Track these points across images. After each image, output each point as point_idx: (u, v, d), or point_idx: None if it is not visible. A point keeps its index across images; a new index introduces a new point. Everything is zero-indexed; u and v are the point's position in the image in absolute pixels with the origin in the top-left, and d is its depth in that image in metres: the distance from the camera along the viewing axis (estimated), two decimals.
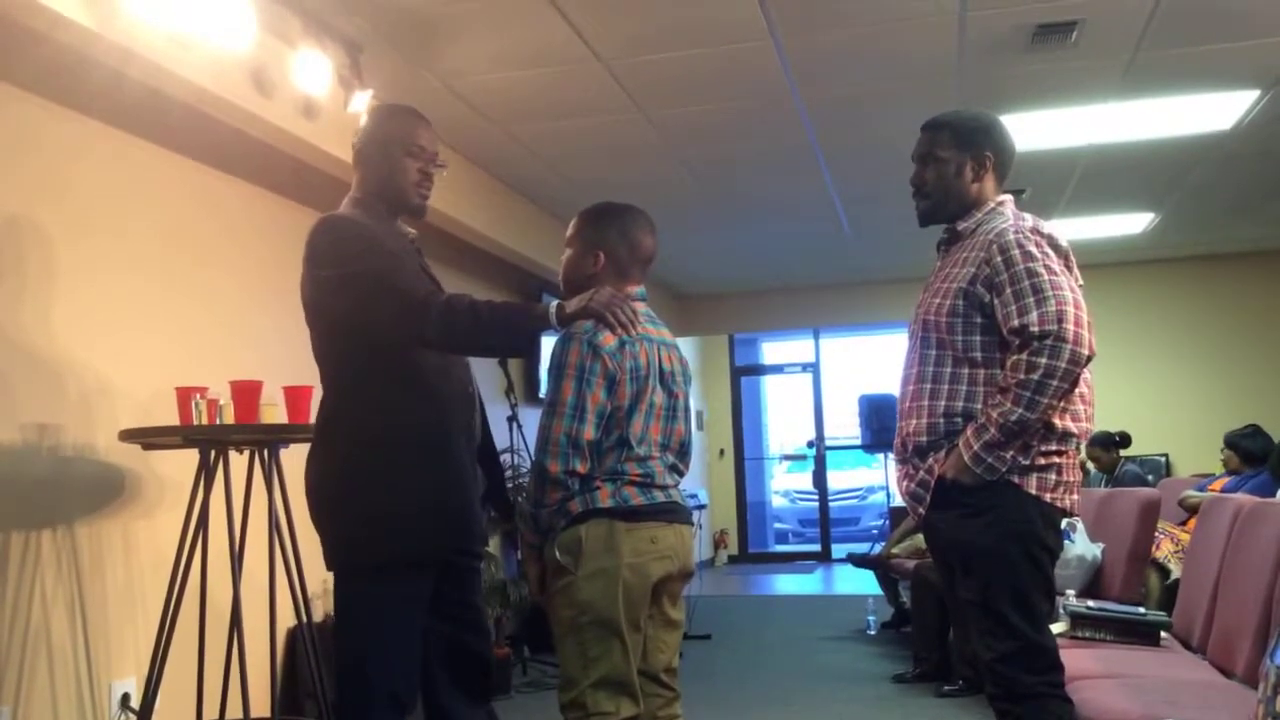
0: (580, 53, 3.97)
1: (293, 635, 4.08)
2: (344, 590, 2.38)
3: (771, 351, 13.06)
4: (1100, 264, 8.27)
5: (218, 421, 3.21)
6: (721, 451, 11.81)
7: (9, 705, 3.06)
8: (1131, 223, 7.46)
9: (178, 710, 3.41)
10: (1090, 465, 6.80)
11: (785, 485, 13.34)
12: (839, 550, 11.43)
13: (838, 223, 7.11)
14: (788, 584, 10.12)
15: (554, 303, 2.31)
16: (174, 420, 3.21)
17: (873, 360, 13.03)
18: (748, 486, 11.92)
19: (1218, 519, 3.50)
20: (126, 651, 3.51)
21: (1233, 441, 5.76)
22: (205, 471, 3.21)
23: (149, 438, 3.22)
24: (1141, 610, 3.65)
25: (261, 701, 3.43)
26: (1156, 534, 4.50)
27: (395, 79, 4.03)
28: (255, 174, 4.29)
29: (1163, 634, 3.47)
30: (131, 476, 3.58)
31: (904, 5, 3.73)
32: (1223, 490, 5.53)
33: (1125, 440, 6.74)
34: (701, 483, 11.11)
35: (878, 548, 7.24)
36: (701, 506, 8.75)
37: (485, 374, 2.76)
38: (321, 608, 4.06)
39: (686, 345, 10.38)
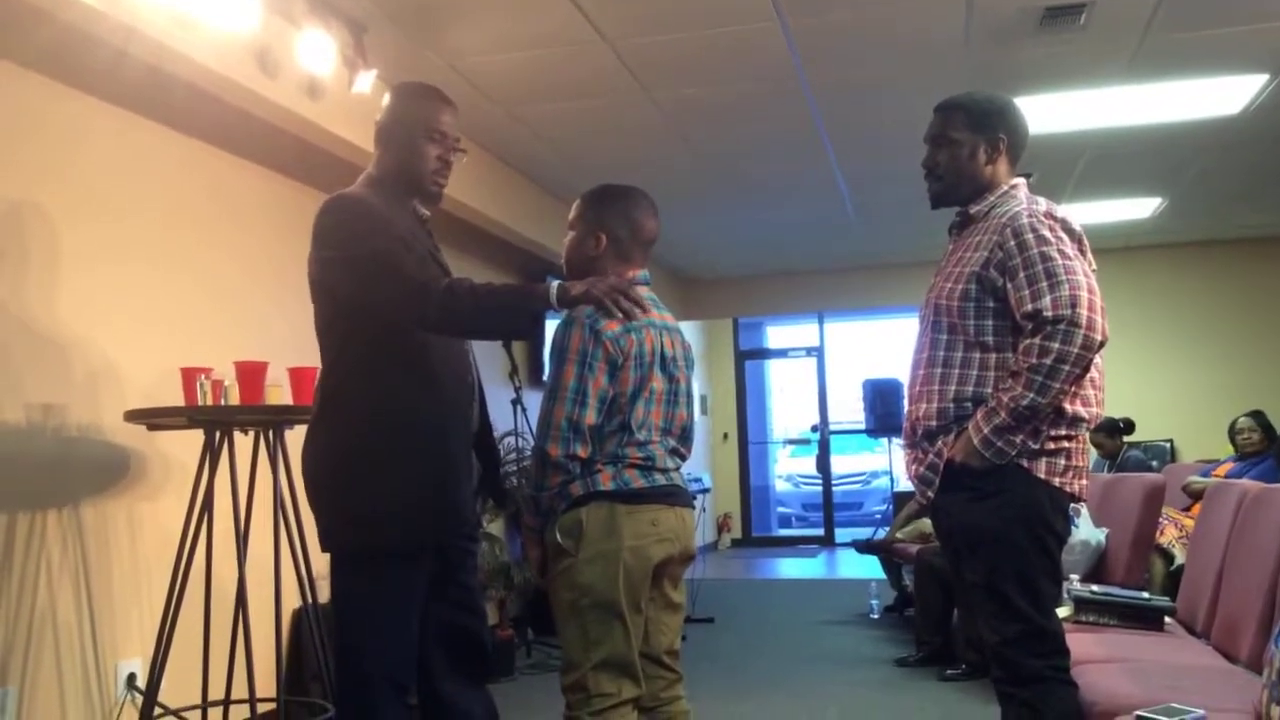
0: (585, 33, 3.94)
1: (297, 616, 4.10)
2: (340, 575, 2.37)
3: (776, 335, 13.05)
4: (1107, 249, 8.23)
5: (223, 402, 3.21)
6: (725, 435, 11.82)
7: (15, 685, 3.08)
8: (1139, 207, 7.42)
9: (183, 690, 3.42)
10: (1093, 451, 6.79)
11: (789, 469, 13.36)
12: (842, 534, 11.44)
13: (843, 206, 7.08)
14: (791, 568, 10.14)
15: (555, 283, 2.29)
16: (179, 401, 3.22)
17: (877, 344, 13.03)
18: (751, 470, 11.94)
19: (1222, 504, 3.50)
20: (132, 632, 3.53)
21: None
22: (210, 452, 3.21)
23: (154, 418, 3.22)
24: (1145, 595, 3.65)
25: (266, 682, 3.45)
26: (1161, 519, 4.50)
27: (399, 59, 4.01)
28: (259, 154, 4.27)
29: (1167, 619, 3.47)
30: (137, 457, 3.59)
31: None
32: (1227, 476, 5.53)
33: (1129, 427, 6.73)
34: (705, 466, 11.12)
35: (881, 532, 7.25)
36: (705, 490, 8.76)
37: (489, 357, 2.75)
38: (326, 589, 4.06)
39: (690, 329, 10.38)
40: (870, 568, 7.08)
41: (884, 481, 12.25)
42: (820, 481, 11.87)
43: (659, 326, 2.42)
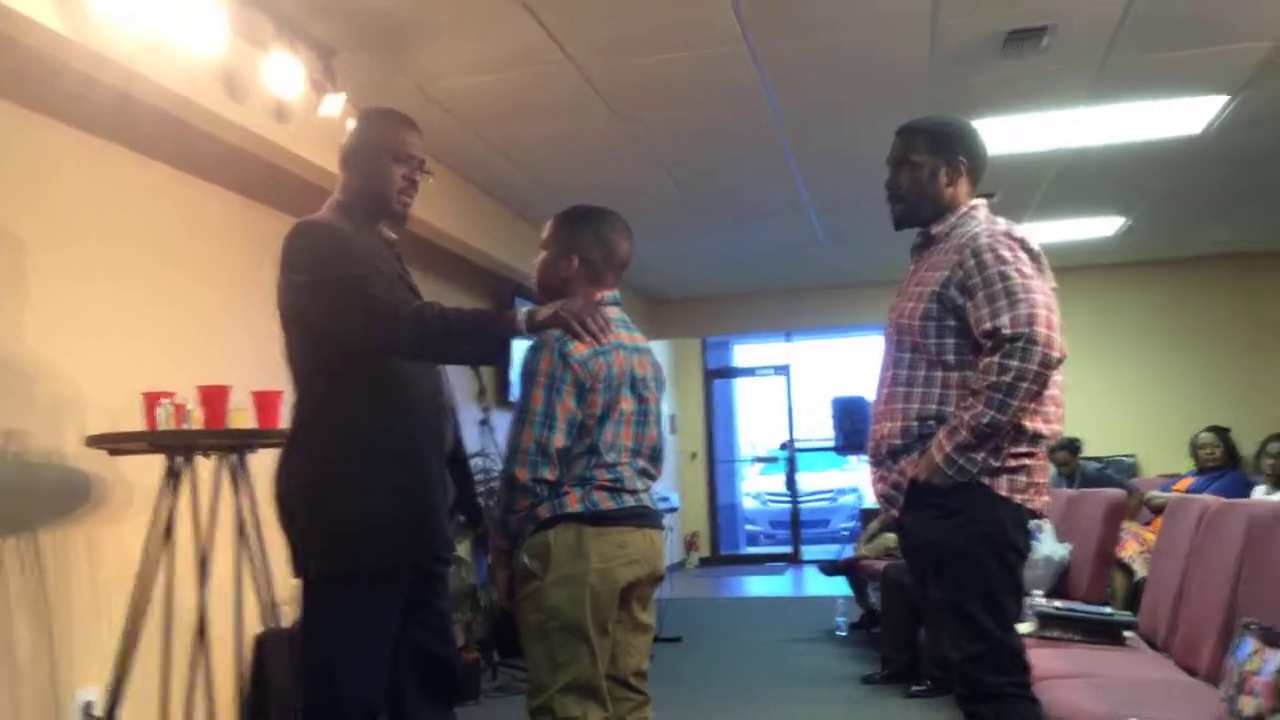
0: (553, 56, 3.96)
1: (260, 643, 4.05)
2: (312, 598, 2.36)
3: (743, 354, 13.09)
4: (1071, 267, 8.32)
5: (185, 427, 3.19)
6: (694, 454, 11.82)
7: None
8: (1102, 226, 7.53)
9: (142, 719, 3.37)
10: (1052, 467, 6.84)
11: (757, 487, 13.37)
12: (810, 552, 11.47)
13: (810, 227, 7.14)
14: (759, 586, 10.14)
15: (524, 309, 2.32)
16: (142, 426, 3.19)
17: (844, 362, 13.10)
18: (719, 489, 11.94)
19: (1182, 519, 3.55)
20: (90, 659, 3.47)
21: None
22: (172, 477, 3.18)
23: (116, 443, 3.20)
24: (1108, 610, 3.70)
25: (228, 710, 3.41)
26: (1122, 534, 4.54)
27: (368, 83, 4.00)
28: (227, 178, 4.25)
29: (1128, 633, 3.51)
30: (98, 482, 3.55)
31: (877, 11, 3.75)
32: (1188, 491, 5.60)
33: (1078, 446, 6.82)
34: (673, 485, 11.12)
35: (848, 550, 7.27)
36: (673, 509, 8.73)
37: (457, 378, 2.76)
38: (290, 615, 4.02)
39: (658, 348, 10.35)
40: (837, 585, 7.11)
41: (851, 499, 12.30)
42: (788, 499, 11.90)
43: (629, 348, 2.42)
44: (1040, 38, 3.99)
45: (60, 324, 3.41)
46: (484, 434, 5.40)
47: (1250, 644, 2.36)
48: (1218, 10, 3.84)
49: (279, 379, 2.50)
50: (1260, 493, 5.11)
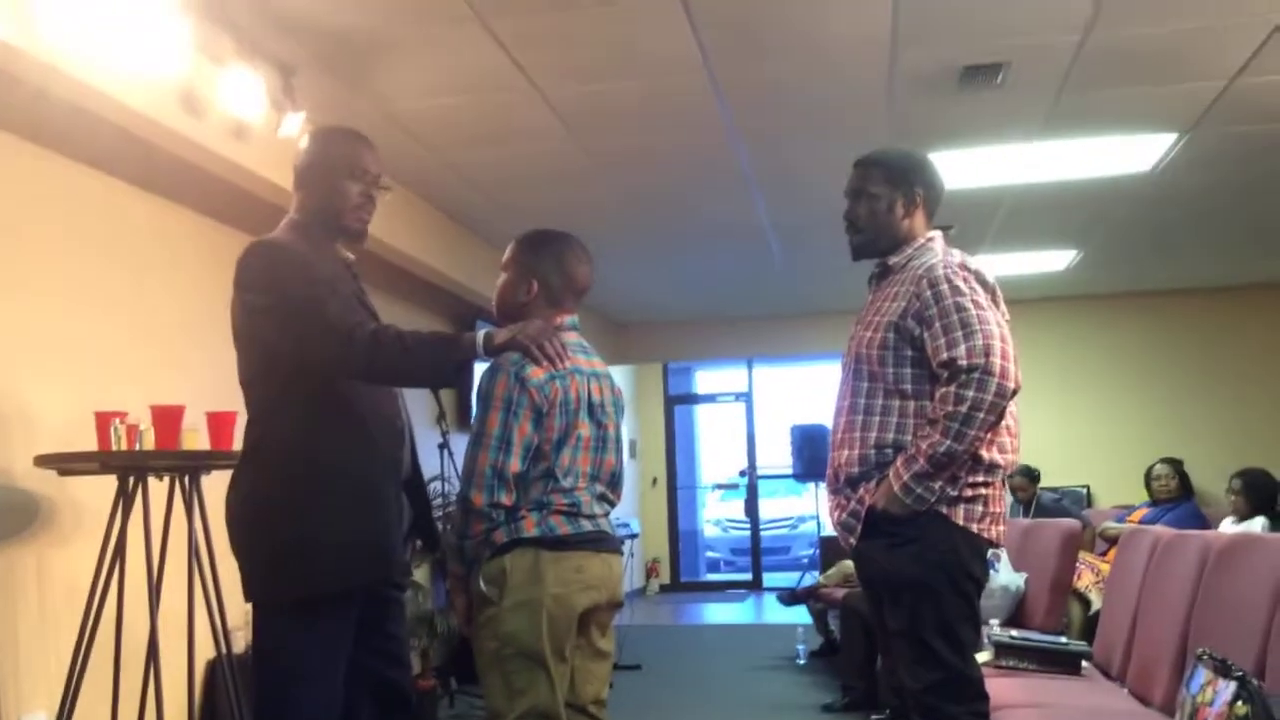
0: (515, 81, 3.97)
1: (212, 668, 3.98)
2: (264, 623, 2.33)
3: (705, 380, 13.12)
4: (1024, 299, 8.43)
5: (137, 447, 3.14)
6: (654, 480, 11.81)
7: None
8: (1054, 259, 7.64)
9: None
10: (1009, 496, 6.90)
11: (717, 514, 13.36)
12: (770, 579, 11.47)
13: (770, 254, 7.18)
14: (719, 613, 10.12)
15: (482, 332, 2.31)
16: (93, 445, 3.13)
17: (805, 390, 13.14)
18: (680, 515, 11.93)
19: (1136, 550, 3.58)
20: (38, 683, 3.39)
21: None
22: (123, 498, 3.13)
23: (66, 463, 3.14)
24: (1063, 640, 3.72)
25: None
26: (1078, 565, 4.58)
27: (328, 102, 3.98)
28: (185, 195, 4.21)
29: (1084, 663, 3.53)
30: (47, 503, 3.48)
31: (835, 43, 3.79)
32: (1141, 522, 5.66)
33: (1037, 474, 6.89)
34: (634, 512, 11.09)
35: (807, 578, 7.27)
36: (634, 535, 8.73)
37: (415, 401, 2.74)
38: (242, 640, 3.96)
39: (621, 373, 10.38)
40: (797, 613, 7.11)
41: (811, 526, 12.30)
42: (748, 526, 11.90)
43: (587, 373, 2.42)
44: (996, 73, 4.05)
45: (9, 341, 3.35)
46: (443, 458, 5.35)
47: (1203, 674, 2.39)
48: (1169, 50, 3.92)
49: (233, 400, 2.47)
50: (1228, 524, 5.18)
